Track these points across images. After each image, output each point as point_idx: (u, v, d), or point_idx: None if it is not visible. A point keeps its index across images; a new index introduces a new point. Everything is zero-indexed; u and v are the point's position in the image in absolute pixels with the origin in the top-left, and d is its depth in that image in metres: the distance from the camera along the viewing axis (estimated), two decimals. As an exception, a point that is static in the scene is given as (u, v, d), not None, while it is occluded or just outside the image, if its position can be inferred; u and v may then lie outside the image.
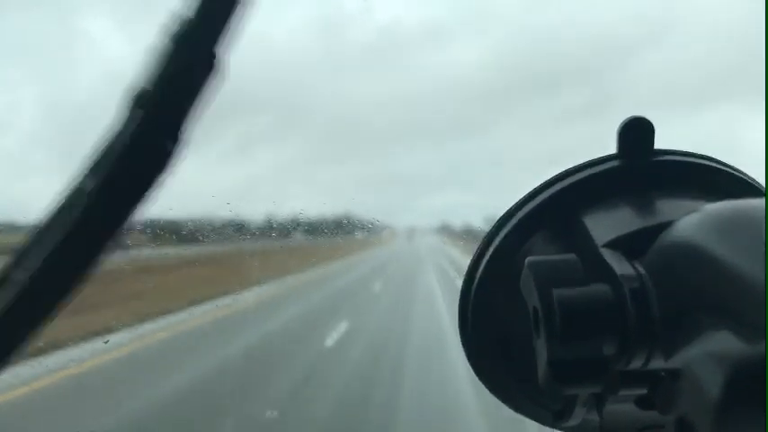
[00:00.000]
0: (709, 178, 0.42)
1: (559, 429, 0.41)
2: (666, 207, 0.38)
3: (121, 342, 6.39)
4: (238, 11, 0.32)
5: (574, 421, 0.38)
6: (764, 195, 0.42)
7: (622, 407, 0.35)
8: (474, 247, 0.46)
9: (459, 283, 0.46)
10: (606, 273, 0.33)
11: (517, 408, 0.46)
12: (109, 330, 5.86)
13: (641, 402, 0.34)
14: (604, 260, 0.34)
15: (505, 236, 0.43)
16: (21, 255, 0.32)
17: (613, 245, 0.35)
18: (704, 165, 0.43)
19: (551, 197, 0.43)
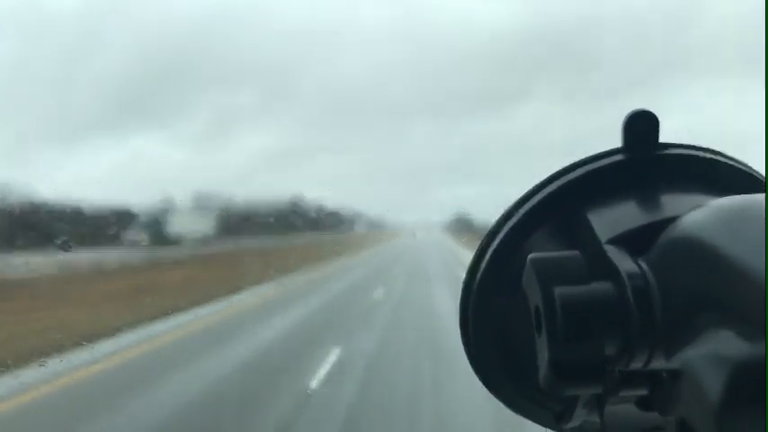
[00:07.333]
0: (714, 171, 0.42)
1: (560, 431, 0.40)
2: (671, 202, 0.38)
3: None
4: None
5: (575, 422, 0.38)
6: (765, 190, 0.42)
7: (623, 408, 0.34)
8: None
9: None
10: (610, 270, 0.33)
11: (518, 409, 0.45)
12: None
13: (642, 403, 0.33)
14: (608, 257, 0.33)
15: (508, 232, 0.43)
16: None
17: (618, 241, 0.35)
18: (708, 158, 0.42)
19: (555, 192, 0.42)
